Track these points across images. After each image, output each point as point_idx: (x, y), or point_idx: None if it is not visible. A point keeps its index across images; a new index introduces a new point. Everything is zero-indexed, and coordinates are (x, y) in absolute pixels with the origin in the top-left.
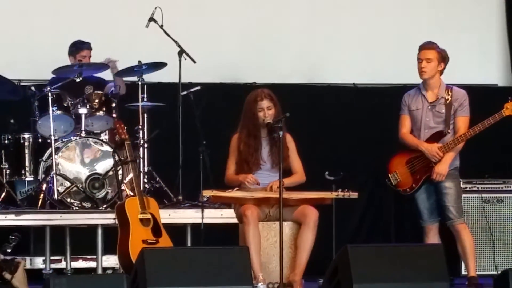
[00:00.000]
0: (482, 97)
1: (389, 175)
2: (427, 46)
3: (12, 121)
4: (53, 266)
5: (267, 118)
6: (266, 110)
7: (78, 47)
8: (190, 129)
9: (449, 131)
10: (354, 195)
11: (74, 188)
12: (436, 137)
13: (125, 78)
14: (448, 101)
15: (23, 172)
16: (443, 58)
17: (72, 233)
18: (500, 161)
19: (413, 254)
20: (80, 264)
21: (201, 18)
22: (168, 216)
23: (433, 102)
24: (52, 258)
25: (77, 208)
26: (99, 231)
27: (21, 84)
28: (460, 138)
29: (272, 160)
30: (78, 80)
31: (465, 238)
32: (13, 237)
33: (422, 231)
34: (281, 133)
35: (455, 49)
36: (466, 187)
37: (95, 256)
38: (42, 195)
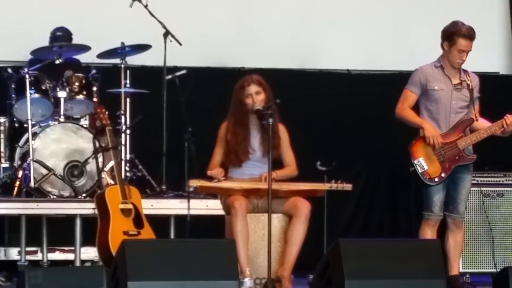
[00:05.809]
0: (484, 85)
1: (414, 161)
2: (474, 36)
3: None
4: (29, 257)
5: (256, 104)
6: (255, 96)
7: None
8: (175, 115)
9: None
10: (348, 187)
11: (52, 176)
12: (464, 125)
13: (107, 61)
14: (470, 86)
15: None
16: None
17: (49, 223)
18: (500, 153)
19: (409, 250)
20: (57, 256)
21: None
22: (151, 206)
23: (458, 85)
24: (27, 249)
25: (54, 196)
26: (78, 221)
27: None
28: (483, 133)
29: (263, 148)
30: (57, 62)
31: (461, 235)
32: None
33: (421, 224)
34: (270, 120)
35: None
36: None
37: (73, 248)
38: (17, 182)
